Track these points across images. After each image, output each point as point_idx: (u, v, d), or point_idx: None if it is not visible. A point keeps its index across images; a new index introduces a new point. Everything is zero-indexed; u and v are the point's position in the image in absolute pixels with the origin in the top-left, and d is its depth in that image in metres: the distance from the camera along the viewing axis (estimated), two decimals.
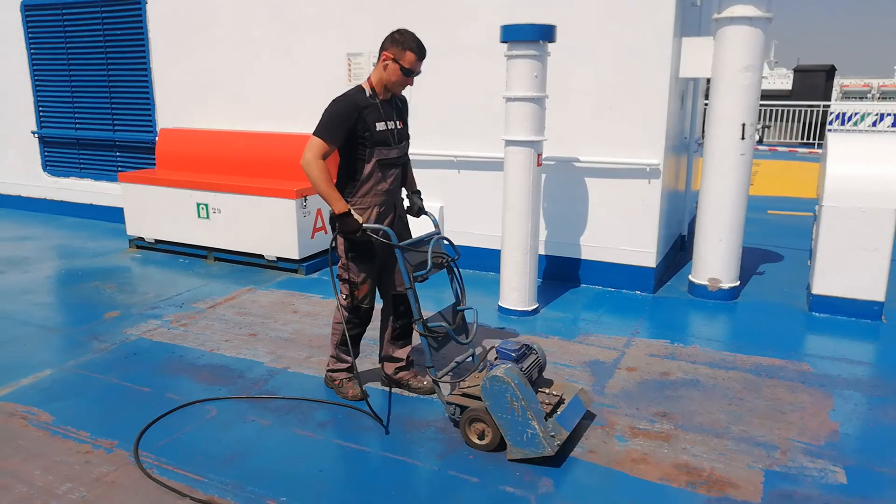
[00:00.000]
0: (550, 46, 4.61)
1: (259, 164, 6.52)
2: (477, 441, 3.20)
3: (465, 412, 3.21)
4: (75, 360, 4.18)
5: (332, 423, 3.44)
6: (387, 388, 3.79)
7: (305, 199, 5.97)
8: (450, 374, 3.56)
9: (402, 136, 3.47)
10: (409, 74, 3.31)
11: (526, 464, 3.05)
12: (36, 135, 8.60)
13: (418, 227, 3.84)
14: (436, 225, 3.69)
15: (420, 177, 6.12)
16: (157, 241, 6.79)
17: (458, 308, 3.58)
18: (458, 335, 3.50)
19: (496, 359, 3.30)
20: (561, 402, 3.30)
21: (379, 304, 3.76)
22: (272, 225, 5.98)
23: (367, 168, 3.33)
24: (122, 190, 6.89)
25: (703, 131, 7.46)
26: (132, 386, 3.84)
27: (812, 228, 5.58)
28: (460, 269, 3.62)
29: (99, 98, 7.99)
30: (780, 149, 15.63)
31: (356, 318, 3.56)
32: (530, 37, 4.51)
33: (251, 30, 6.66)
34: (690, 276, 5.44)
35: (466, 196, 5.98)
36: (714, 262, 5.23)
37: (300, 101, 6.45)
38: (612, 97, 5.23)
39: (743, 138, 4.96)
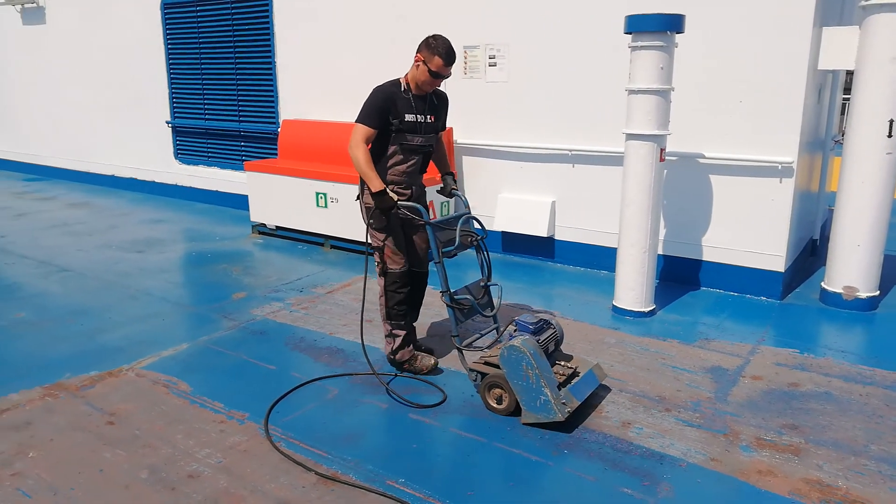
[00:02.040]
0: (677, 37, 4.44)
1: None
2: (495, 405, 3.44)
3: (485, 378, 3.46)
4: (208, 336, 4.47)
5: (444, 410, 3.50)
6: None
7: None
8: (472, 345, 3.75)
9: (430, 129, 3.80)
10: (435, 77, 3.64)
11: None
12: (170, 125, 9.26)
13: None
14: (466, 205, 3.98)
15: (531, 171, 6.16)
16: (278, 228, 7.14)
17: (485, 284, 3.83)
18: (483, 309, 3.76)
19: (515, 331, 3.53)
20: (575, 374, 3.53)
21: None
22: None
23: (392, 150, 3.70)
24: (247, 178, 7.29)
25: (842, 128, 6.98)
26: (259, 363, 4.07)
27: None
28: (488, 249, 3.85)
29: (227, 90, 8.48)
30: None
31: (390, 283, 3.79)
32: (657, 27, 4.35)
33: (370, 24, 6.84)
34: (823, 283, 5.09)
35: (580, 191, 5.88)
36: (851, 269, 4.86)
37: None
38: (744, 90, 4.96)
39: (890, 136, 4.58)
